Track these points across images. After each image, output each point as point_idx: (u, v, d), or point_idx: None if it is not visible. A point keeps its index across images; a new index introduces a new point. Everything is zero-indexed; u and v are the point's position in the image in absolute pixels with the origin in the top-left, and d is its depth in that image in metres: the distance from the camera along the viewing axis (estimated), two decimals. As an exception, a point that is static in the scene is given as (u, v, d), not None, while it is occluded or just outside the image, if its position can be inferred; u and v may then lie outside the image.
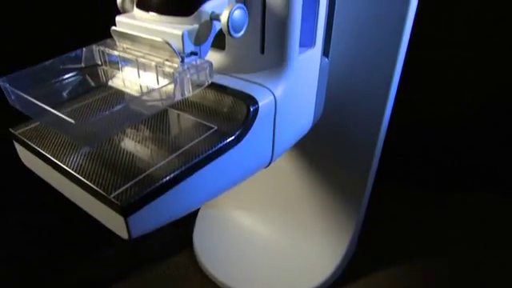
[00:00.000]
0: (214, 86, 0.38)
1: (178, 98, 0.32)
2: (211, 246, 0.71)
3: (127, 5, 0.39)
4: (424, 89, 1.09)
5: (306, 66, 0.43)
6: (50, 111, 0.28)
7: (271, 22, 0.37)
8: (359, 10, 0.48)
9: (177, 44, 0.33)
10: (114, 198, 0.28)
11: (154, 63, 0.34)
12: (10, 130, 0.37)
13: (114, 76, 0.38)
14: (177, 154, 0.33)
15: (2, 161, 0.82)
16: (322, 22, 0.42)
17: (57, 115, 0.27)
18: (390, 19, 0.46)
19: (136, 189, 0.29)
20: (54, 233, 0.78)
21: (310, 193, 0.66)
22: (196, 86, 0.34)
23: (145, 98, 0.30)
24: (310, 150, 0.62)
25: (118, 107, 0.29)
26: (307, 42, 0.42)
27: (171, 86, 0.31)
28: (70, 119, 0.26)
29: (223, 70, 0.41)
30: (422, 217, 0.84)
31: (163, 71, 0.34)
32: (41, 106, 0.28)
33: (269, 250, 0.69)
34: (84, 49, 0.38)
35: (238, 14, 0.33)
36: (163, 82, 0.34)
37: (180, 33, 0.32)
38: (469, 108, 1.10)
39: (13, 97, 0.31)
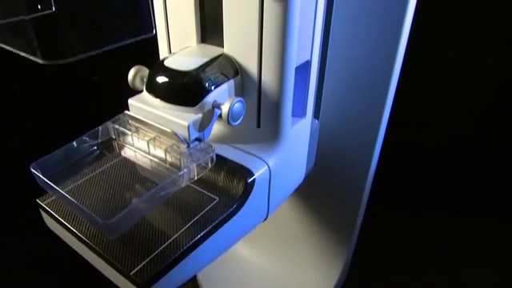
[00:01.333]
0: (216, 157, 0.43)
1: (185, 184, 0.37)
2: (211, 275, 0.77)
3: (137, 83, 0.44)
4: (412, 112, 1.14)
5: (298, 135, 0.48)
6: (78, 206, 0.33)
7: (266, 102, 0.42)
8: (347, 75, 0.53)
9: (183, 133, 0.38)
10: (133, 275, 0.33)
11: (162, 148, 0.39)
12: (37, 200, 0.42)
13: (127, 150, 0.43)
14: (186, 226, 0.38)
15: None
16: (312, 94, 0.47)
17: (84, 211, 0.32)
18: (375, 86, 0.51)
19: (153, 265, 0.34)
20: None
21: (303, 226, 0.71)
22: (200, 169, 0.39)
23: (157, 191, 0.35)
24: (302, 190, 0.67)
25: (136, 203, 0.34)
26: (299, 112, 0.47)
27: (178, 174, 0.36)
28: (95, 215, 0.31)
29: (222, 139, 0.46)
30: (412, 242, 0.89)
31: (171, 154, 0.39)
32: (69, 199, 0.33)
33: (264, 278, 0.75)
34: (100, 127, 0.42)
35: (237, 106, 0.38)
36: (171, 159, 0.39)
37: (186, 124, 0.37)
38: (458, 131, 1.15)
39: (43, 185, 0.36)
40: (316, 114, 0.53)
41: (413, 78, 0.74)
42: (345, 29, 0.51)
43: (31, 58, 0.26)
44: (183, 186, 0.37)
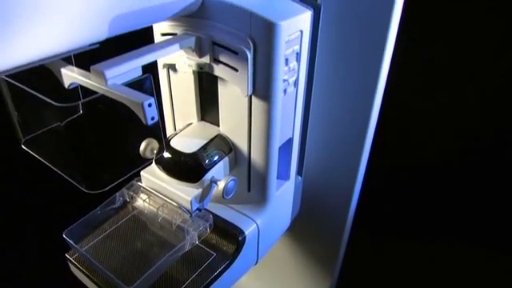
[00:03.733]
0: (214, 216, 0.52)
1: (189, 248, 0.46)
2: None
3: (148, 153, 0.53)
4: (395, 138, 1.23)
5: (283, 195, 0.56)
6: (103, 270, 0.41)
7: (254, 173, 0.51)
8: (327, 130, 0.61)
9: (186, 206, 0.46)
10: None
11: (170, 214, 0.48)
12: (66, 255, 0.50)
13: (140, 212, 0.52)
14: (193, 277, 0.47)
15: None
16: (294, 161, 0.56)
17: (109, 275, 0.41)
18: (350, 142, 0.60)
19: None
20: None
21: (292, 253, 0.80)
22: (201, 234, 0.48)
23: (169, 257, 0.44)
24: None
25: (153, 266, 0.43)
26: (283, 176, 0.56)
27: (184, 242, 0.45)
28: (119, 281, 0.40)
29: (219, 199, 0.55)
30: (395, 267, 0.98)
31: (177, 220, 0.48)
32: (98, 266, 0.42)
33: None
34: (117, 194, 0.51)
35: (231, 184, 0.47)
36: (177, 223, 0.48)
37: (189, 199, 0.46)
38: (441, 155, 1.24)
39: (74, 249, 0.45)
40: (299, 171, 0.61)
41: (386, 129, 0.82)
42: (325, 89, 0.59)
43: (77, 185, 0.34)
44: (187, 249, 0.46)
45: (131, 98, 0.34)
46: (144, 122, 0.33)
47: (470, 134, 1.20)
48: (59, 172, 0.34)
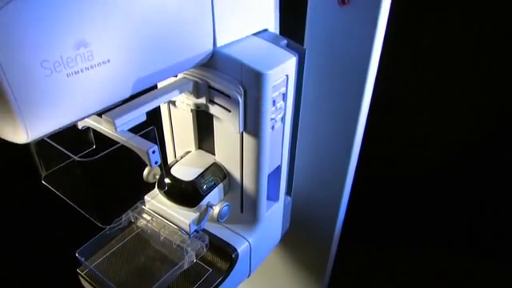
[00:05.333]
0: (207, 234, 0.58)
1: (188, 266, 0.52)
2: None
3: (150, 178, 0.58)
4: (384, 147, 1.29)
5: (273, 215, 0.62)
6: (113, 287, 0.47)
7: (246, 197, 0.57)
8: (314, 153, 0.67)
9: (185, 228, 0.52)
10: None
11: (171, 234, 0.53)
12: (78, 270, 0.56)
13: (143, 231, 0.58)
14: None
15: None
16: (283, 184, 0.62)
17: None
18: (337, 162, 0.66)
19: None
20: None
21: (283, 264, 0.86)
22: (198, 253, 0.53)
23: (170, 275, 0.50)
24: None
25: (156, 286, 0.49)
26: (273, 197, 0.62)
27: (183, 261, 0.51)
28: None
29: (215, 219, 0.61)
30: (383, 275, 1.04)
31: (177, 240, 0.53)
32: (106, 281, 0.48)
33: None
34: (123, 216, 0.57)
35: (225, 209, 0.53)
36: (177, 242, 0.54)
37: (188, 222, 0.52)
38: (430, 164, 1.29)
39: (85, 266, 0.51)
40: (288, 192, 0.67)
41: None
42: (311, 119, 0.65)
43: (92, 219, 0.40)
44: (186, 267, 0.52)
45: (138, 145, 0.39)
46: (148, 165, 0.39)
47: (456, 146, 1.25)
48: (77, 207, 0.40)
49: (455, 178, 1.26)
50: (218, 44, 0.46)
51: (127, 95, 0.38)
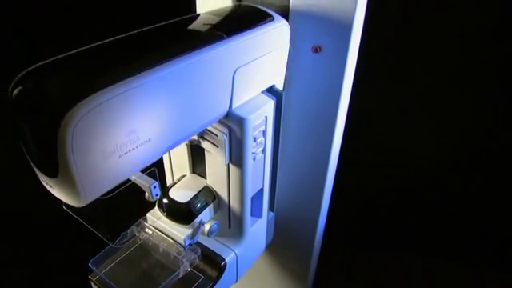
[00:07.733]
0: (199, 245, 0.68)
1: (183, 274, 0.62)
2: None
3: (151, 198, 0.68)
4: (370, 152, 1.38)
5: (257, 229, 0.72)
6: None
7: (233, 215, 0.66)
8: (296, 172, 0.77)
9: (181, 242, 0.62)
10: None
11: (169, 247, 0.63)
12: (89, 277, 0.66)
13: (145, 243, 0.68)
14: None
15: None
16: (266, 202, 0.71)
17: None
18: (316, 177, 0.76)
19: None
20: None
21: (269, 270, 0.97)
22: (192, 263, 0.63)
23: (169, 281, 0.60)
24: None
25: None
26: (257, 214, 0.71)
27: (179, 270, 0.61)
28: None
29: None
30: (365, 279, 1.13)
31: (174, 251, 0.63)
32: (114, 286, 0.58)
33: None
34: (128, 230, 0.67)
35: (214, 227, 0.63)
36: (174, 253, 0.64)
37: (183, 237, 0.61)
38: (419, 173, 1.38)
39: (96, 273, 0.61)
40: (271, 208, 0.77)
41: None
42: (288, 141, 0.75)
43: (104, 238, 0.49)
44: (181, 275, 0.62)
45: (141, 181, 0.49)
46: (150, 198, 0.49)
47: (439, 155, 1.34)
48: (92, 229, 0.50)
49: (439, 188, 1.35)
50: (233, 107, 0.55)
51: (159, 157, 0.47)
